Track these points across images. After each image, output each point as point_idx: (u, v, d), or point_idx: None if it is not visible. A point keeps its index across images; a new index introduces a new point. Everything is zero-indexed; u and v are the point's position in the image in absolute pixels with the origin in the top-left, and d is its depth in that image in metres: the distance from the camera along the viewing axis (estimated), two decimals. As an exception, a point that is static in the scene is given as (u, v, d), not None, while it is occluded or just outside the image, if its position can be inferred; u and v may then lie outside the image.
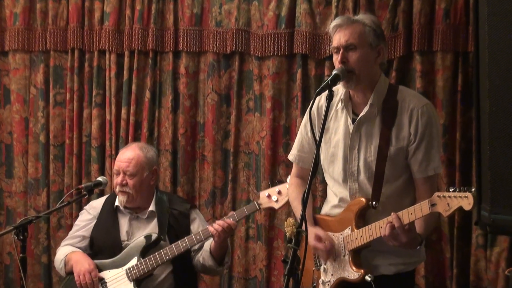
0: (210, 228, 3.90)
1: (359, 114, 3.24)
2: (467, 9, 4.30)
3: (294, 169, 3.58)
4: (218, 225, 3.88)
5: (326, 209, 3.45)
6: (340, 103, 3.29)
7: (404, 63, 4.43)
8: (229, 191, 4.81)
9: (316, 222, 3.43)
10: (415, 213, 2.98)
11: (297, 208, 3.43)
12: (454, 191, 2.84)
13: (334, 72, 3.06)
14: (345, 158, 3.27)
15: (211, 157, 4.86)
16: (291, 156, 3.55)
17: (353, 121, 3.25)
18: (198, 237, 3.95)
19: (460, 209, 2.83)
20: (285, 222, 3.26)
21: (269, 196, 3.91)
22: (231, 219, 3.91)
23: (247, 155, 4.82)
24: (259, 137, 4.75)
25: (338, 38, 3.17)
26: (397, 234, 3.02)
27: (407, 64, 4.44)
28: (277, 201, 3.89)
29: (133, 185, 4.12)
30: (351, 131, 3.24)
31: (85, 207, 4.40)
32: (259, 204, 3.93)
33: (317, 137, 3.26)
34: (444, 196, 2.87)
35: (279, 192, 3.88)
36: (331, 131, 3.34)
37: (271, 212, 4.70)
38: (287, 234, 3.23)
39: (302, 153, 3.49)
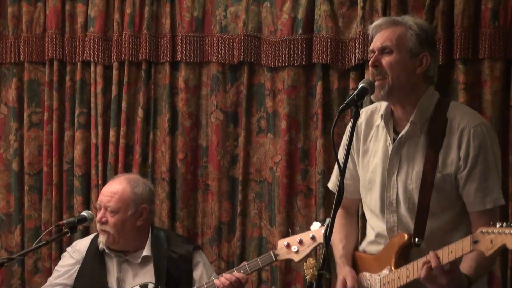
0: (217, 282, 3.87)
1: (399, 132, 3.25)
2: (519, 10, 4.30)
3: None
4: (225, 279, 3.86)
5: (363, 245, 3.46)
6: (380, 120, 3.30)
7: (444, 74, 4.40)
8: (238, 226, 4.79)
9: (354, 260, 3.43)
10: (455, 251, 2.93)
11: (335, 244, 3.46)
12: (501, 226, 2.79)
13: (360, 85, 3.04)
14: (383, 185, 3.27)
15: (216, 186, 4.86)
16: (331, 184, 3.59)
17: (394, 140, 3.25)
18: None
19: (504, 248, 2.77)
20: (305, 264, 3.25)
21: (288, 246, 3.90)
22: (241, 271, 3.90)
23: (259, 184, 4.81)
24: (273, 162, 4.74)
25: (375, 41, 3.23)
26: (434, 276, 2.98)
27: (448, 74, 4.42)
28: (297, 252, 3.87)
29: (113, 224, 4.11)
30: (390, 152, 3.24)
31: (67, 249, 4.37)
32: (276, 255, 3.93)
33: (356, 159, 3.33)
34: (488, 232, 2.82)
35: (301, 242, 3.86)
36: (370, 153, 3.35)
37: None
38: (307, 277, 3.22)
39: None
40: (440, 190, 3.17)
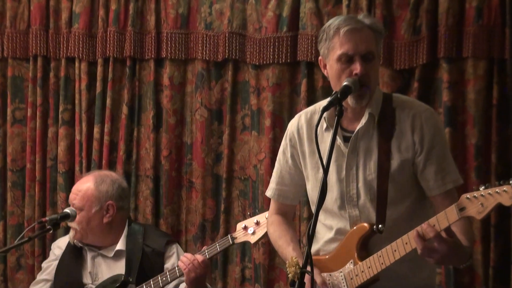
0: (180, 264, 3.90)
1: (350, 130, 3.24)
2: (503, 8, 4.29)
3: (273, 206, 3.59)
4: (186, 258, 3.88)
5: (317, 246, 3.40)
6: (325, 122, 3.26)
7: (428, 72, 4.43)
8: (222, 224, 4.79)
9: None
10: (438, 224, 2.94)
11: (284, 247, 3.42)
12: (486, 188, 2.81)
13: (344, 83, 3.05)
14: (341, 181, 3.26)
15: (200, 184, 4.86)
16: (269, 191, 3.56)
17: (345, 138, 3.24)
18: (164, 278, 3.95)
19: (499, 206, 2.78)
20: (287, 262, 3.24)
21: (245, 228, 3.93)
22: (202, 254, 3.91)
23: (243, 182, 4.81)
24: (257, 160, 4.75)
25: (354, 45, 3.12)
26: (432, 248, 2.94)
27: (432, 73, 4.44)
28: (253, 233, 3.90)
29: (78, 221, 4.13)
30: (344, 150, 3.23)
31: (51, 245, 4.44)
32: (233, 238, 3.95)
33: (302, 162, 3.38)
34: (475, 197, 2.83)
35: (257, 223, 3.89)
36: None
37: (271, 248, 4.67)
38: (290, 275, 3.21)
39: (282, 186, 3.51)
40: (397, 177, 3.18)
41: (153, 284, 3.94)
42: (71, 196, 4.20)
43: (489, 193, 2.79)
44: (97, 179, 4.22)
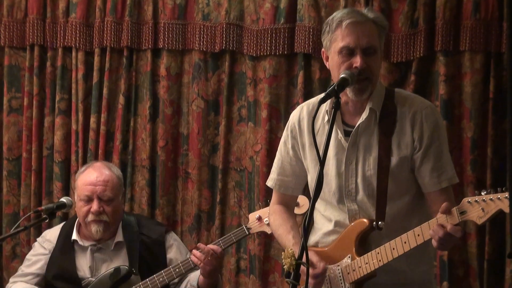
0: (193, 258, 3.90)
1: (351, 125, 3.24)
2: (500, 2, 4.31)
3: (274, 196, 3.57)
4: (200, 252, 3.90)
5: (315, 238, 3.42)
6: (326, 115, 3.26)
7: (425, 65, 4.44)
8: (217, 215, 4.80)
9: None
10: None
11: (284, 235, 3.42)
12: (488, 193, 2.84)
13: (341, 75, 3.04)
14: (340, 175, 3.26)
15: (196, 174, 4.86)
16: (270, 181, 3.53)
17: (346, 133, 3.24)
18: (177, 269, 3.95)
19: (500, 213, 2.83)
20: (283, 253, 3.25)
21: (259, 219, 3.94)
22: (217, 245, 3.93)
23: (239, 173, 4.82)
24: (253, 151, 4.75)
25: (356, 38, 3.11)
26: (450, 237, 2.97)
27: (429, 66, 4.45)
28: (269, 224, 3.90)
29: (111, 212, 4.10)
30: (344, 144, 3.23)
31: (38, 239, 4.37)
32: (248, 229, 3.96)
33: (302, 153, 3.38)
34: (476, 201, 2.86)
35: None
36: (318, 146, 3.30)
37: (266, 240, 4.69)
38: (285, 266, 3.22)
39: (283, 177, 3.48)
40: (396, 174, 3.19)
41: (165, 275, 3.95)
42: (99, 188, 4.08)
43: (491, 199, 2.83)
44: (112, 168, 4.23)
